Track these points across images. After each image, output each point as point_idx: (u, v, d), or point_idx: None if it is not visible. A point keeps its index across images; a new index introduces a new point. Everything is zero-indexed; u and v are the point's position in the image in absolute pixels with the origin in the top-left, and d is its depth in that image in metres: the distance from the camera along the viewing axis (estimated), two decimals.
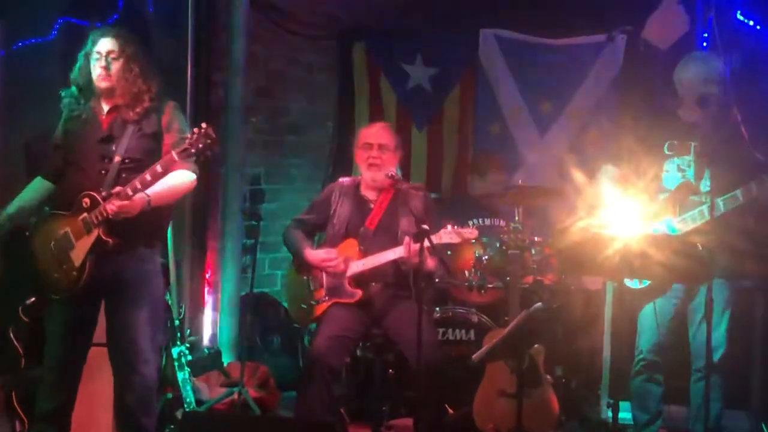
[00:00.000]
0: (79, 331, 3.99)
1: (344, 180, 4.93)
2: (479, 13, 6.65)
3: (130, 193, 3.74)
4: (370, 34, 6.79)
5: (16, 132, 4.96)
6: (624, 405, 4.64)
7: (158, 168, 3.76)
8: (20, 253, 4.04)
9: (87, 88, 3.99)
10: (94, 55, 3.93)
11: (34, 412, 4.06)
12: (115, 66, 3.92)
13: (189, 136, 3.73)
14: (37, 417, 4.01)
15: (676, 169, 4.37)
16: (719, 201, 4.13)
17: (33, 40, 5.02)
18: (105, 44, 3.93)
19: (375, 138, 4.72)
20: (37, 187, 4.11)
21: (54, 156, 4.07)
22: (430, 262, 4.48)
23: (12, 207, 4.05)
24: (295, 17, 6.54)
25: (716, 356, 4.28)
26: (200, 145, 3.72)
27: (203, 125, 3.74)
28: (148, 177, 3.76)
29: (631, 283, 4.26)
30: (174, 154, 3.74)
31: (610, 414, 4.16)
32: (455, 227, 4.48)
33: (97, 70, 3.92)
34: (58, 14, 5.15)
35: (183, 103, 5.77)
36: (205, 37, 6.06)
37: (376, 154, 4.67)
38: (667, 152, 4.40)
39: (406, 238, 4.39)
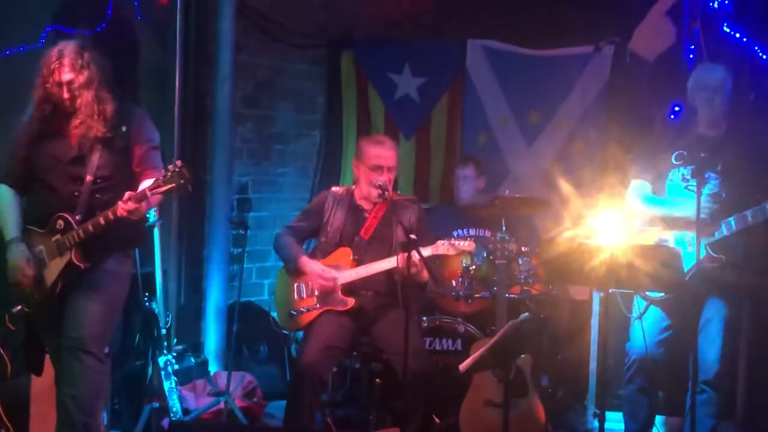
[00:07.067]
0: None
1: (336, 189, 4.91)
2: (467, 24, 6.68)
3: (102, 222, 3.74)
4: (358, 43, 6.79)
5: (5, 140, 4.93)
6: (610, 415, 4.64)
7: (131, 204, 3.71)
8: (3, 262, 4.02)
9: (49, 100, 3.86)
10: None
11: (20, 421, 4.02)
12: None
13: (163, 172, 3.66)
14: None
15: (680, 179, 4.33)
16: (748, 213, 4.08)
17: (21, 48, 5.01)
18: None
19: (387, 161, 4.65)
20: (12, 200, 4.01)
21: (16, 164, 3.98)
22: (425, 274, 4.46)
23: (14, 228, 3.95)
24: (283, 26, 6.54)
25: (710, 374, 4.28)
26: (173, 184, 3.64)
27: (178, 163, 3.66)
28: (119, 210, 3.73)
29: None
30: (147, 192, 3.67)
31: (596, 424, 4.17)
32: (451, 240, 4.48)
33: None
34: (47, 22, 5.14)
35: (171, 110, 5.77)
36: (193, 45, 6.06)
37: (386, 177, 4.63)
38: (675, 162, 4.35)
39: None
